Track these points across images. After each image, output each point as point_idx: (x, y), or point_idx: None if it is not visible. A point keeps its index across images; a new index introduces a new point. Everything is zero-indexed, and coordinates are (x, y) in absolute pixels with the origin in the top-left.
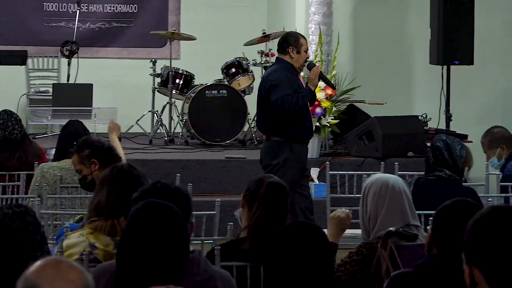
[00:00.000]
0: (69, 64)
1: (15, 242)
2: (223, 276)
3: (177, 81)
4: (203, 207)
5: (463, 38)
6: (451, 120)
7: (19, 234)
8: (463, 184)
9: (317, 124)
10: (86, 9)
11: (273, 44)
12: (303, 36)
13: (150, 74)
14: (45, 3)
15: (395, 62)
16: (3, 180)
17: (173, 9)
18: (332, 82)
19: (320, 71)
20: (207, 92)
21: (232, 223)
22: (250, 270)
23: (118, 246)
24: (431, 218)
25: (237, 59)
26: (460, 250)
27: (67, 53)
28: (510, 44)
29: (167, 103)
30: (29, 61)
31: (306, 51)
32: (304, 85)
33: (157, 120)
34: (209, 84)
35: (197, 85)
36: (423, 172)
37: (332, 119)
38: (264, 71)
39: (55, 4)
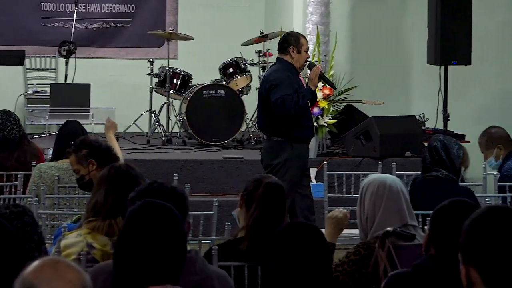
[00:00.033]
0: (66, 64)
1: (11, 242)
2: (220, 276)
3: (175, 81)
4: (201, 207)
5: (460, 38)
6: (449, 120)
7: (15, 234)
8: (460, 184)
9: (315, 124)
10: (83, 9)
11: (271, 44)
12: (303, 36)
13: (148, 74)
14: (42, 3)
15: (392, 62)
16: (1, 180)
17: (170, 9)
18: (332, 82)
19: (321, 71)
20: (204, 92)
21: (229, 223)
22: (247, 270)
23: (115, 246)
24: (428, 218)
25: (235, 59)
26: (458, 250)
27: (64, 53)
28: (507, 44)
29: (165, 103)
30: (27, 61)
31: (306, 51)
32: (305, 85)
33: (154, 120)
34: (206, 84)
35: (195, 85)
36: (420, 172)
37: (329, 119)
38: (261, 71)
39: (53, 4)
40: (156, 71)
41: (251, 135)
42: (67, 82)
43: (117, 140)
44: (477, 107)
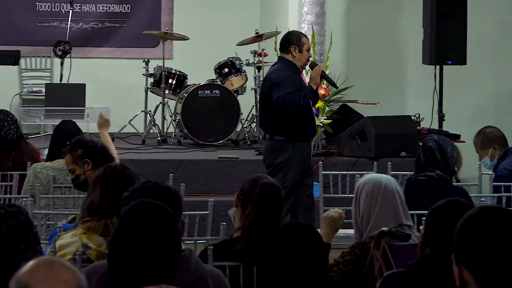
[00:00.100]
0: (62, 64)
1: (5, 242)
2: (214, 274)
3: (170, 81)
4: (196, 207)
5: (455, 38)
6: (444, 120)
7: (9, 234)
8: (455, 184)
9: None
10: (79, 9)
11: (266, 44)
12: (305, 35)
13: (143, 74)
14: (37, 3)
15: (388, 62)
16: None
17: (166, 9)
18: (334, 81)
19: (322, 70)
20: (200, 92)
21: (225, 223)
22: (243, 270)
23: (109, 246)
24: (423, 218)
25: (230, 59)
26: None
27: (60, 53)
28: (502, 44)
29: (160, 103)
30: (22, 61)
31: (308, 50)
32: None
33: (150, 120)
34: (202, 84)
35: (190, 85)
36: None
37: (325, 119)
38: (257, 71)
39: (48, 4)
40: (151, 71)
41: (246, 135)
42: (63, 82)
43: (113, 140)
44: (472, 107)
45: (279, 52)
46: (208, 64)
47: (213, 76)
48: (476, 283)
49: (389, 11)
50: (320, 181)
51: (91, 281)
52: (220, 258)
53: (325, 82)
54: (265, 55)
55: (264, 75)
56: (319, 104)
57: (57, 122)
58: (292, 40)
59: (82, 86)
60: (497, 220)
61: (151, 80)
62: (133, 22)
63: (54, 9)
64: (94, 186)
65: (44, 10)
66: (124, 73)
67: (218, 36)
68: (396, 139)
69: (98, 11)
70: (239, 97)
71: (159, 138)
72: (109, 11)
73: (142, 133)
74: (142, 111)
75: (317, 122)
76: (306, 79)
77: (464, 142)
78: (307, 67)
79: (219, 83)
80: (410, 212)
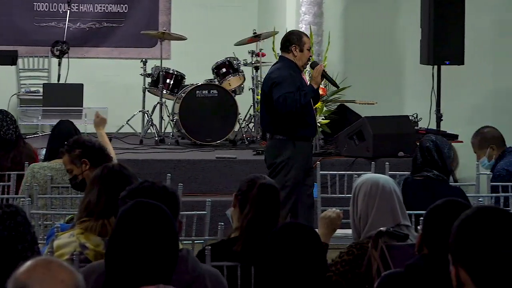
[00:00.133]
0: (59, 64)
1: (3, 242)
2: (212, 274)
3: (168, 81)
4: (194, 207)
5: (453, 38)
6: (442, 120)
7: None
8: (453, 184)
9: None
10: (76, 9)
11: (264, 44)
12: (306, 35)
13: (141, 74)
14: (35, 3)
15: (385, 62)
16: None
17: (163, 9)
18: (335, 81)
19: (323, 70)
20: (197, 92)
21: (222, 223)
22: (240, 270)
23: (107, 247)
24: (421, 218)
25: (228, 59)
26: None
27: (57, 53)
28: (500, 44)
29: (158, 103)
30: (20, 61)
31: (309, 49)
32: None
33: (147, 120)
34: (199, 84)
35: (188, 85)
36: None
37: (322, 119)
38: (254, 71)
39: (46, 4)
40: (149, 71)
41: (244, 135)
42: (60, 82)
43: (110, 140)
44: (470, 107)
45: (280, 51)
46: (205, 64)
47: (211, 76)
48: (473, 283)
49: (387, 11)
50: (318, 181)
51: (88, 281)
52: (218, 258)
53: (323, 82)
54: (263, 55)
55: (262, 75)
56: (317, 104)
57: (54, 122)
58: (293, 40)
59: (80, 86)
60: (493, 220)
61: (149, 80)
62: (130, 22)
63: (52, 9)
64: (91, 186)
65: (42, 10)
66: (122, 73)
67: (216, 36)
68: (394, 139)
69: (95, 11)
70: (237, 97)
71: (156, 138)
72: (106, 11)
73: (139, 133)
74: (139, 111)
75: None
76: (307, 78)
77: (462, 142)
78: (308, 67)
79: (217, 83)
80: (407, 212)
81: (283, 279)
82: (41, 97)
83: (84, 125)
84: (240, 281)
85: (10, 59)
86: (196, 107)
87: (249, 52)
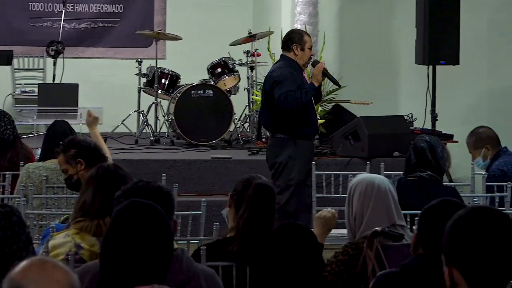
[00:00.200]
0: (54, 64)
1: None
2: (207, 274)
3: (163, 81)
4: (189, 207)
5: (448, 38)
6: (437, 120)
7: (2, 234)
8: (448, 184)
9: None
10: (71, 9)
11: (259, 44)
12: (307, 34)
13: (136, 74)
14: (30, 3)
15: (381, 62)
16: None
17: (158, 9)
18: (336, 79)
19: (324, 68)
20: (192, 92)
21: (218, 223)
22: (236, 271)
23: (101, 246)
24: (416, 218)
25: (223, 59)
26: None
27: (52, 53)
28: (495, 44)
29: (153, 103)
30: (15, 61)
31: (310, 48)
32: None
33: (143, 120)
34: (195, 84)
35: (183, 85)
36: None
37: (318, 119)
38: (250, 71)
39: (41, 4)
40: (144, 71)
41: (239, 135)
42: (55, 82)
43: (105, 140)
44: (465, 107)
45: (276, 51)
46: (201, 64)
47: (206, 76)
48: (466, 283)
49: (382, 11)
50: (313, 181)
51: (83, 281)
52: (213, 258)
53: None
54: (258, 55)
55: (257, 75)
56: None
57: (50, 122)
58: (294, 39)
59: (75, 86)
60: (486, 220)
61: (144, 80)
62: (126, 22)
63: (47, 9)
64: (86, 186)
65: (37, 10)
66: (117, 73)
67: (211, 36)
68: (389, 139)
69: (91, 11)
70: (232, 97)
71: (152, 138)
72: (102, 11)
73: (135, 133)
74: (135, 111)
75: None
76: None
77: (457, 142)
78: (309, 66)
79: (212, 83)
80: (403, 212)
81: (279, 280)
82: (36, 97)
83: (79, 125)
84: (236, 281)
85: (5, 59)
86: (191, 107)
87: (244, 52)
